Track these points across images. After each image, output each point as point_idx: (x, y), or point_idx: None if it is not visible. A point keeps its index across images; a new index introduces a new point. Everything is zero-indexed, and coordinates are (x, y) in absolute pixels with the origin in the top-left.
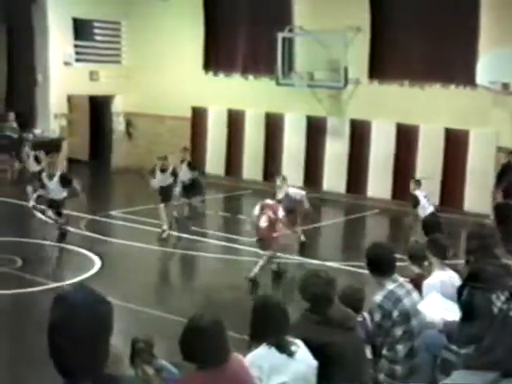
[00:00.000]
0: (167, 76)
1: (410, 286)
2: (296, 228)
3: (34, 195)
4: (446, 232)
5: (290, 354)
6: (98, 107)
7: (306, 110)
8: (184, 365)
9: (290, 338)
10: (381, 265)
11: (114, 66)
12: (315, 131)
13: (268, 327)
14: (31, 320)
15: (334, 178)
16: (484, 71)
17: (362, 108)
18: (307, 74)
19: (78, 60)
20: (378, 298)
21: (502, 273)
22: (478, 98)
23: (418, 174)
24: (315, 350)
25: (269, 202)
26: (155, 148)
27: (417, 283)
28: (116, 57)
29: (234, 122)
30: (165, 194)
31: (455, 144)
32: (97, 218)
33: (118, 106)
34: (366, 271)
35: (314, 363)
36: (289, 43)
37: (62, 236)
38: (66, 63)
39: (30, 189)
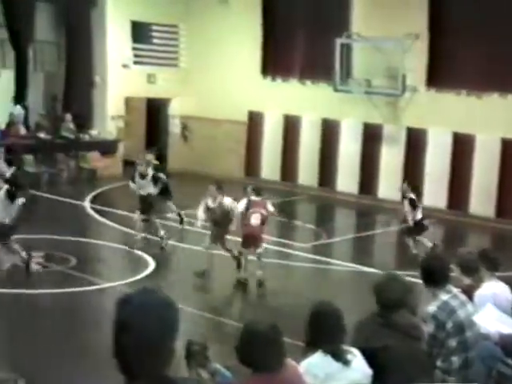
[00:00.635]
0: (224, 80)
1: (464, 297)
2: (223, 243)
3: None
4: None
5: (346, 363)
6: (155, 110)
7: (362, 116)
8: (237, 369)
9: (346, 347)
10: (434, 275)
11: (171, 69)
12: (371, 138)
13: (324, 335)
14: (86, 319)
15: (388, 186)
16: None
17: (418, 116)
18: (364, 81)
19: (135, 63)
20: (432, 308)
21: None
22: None
23: (474, 184)
24: (373, 352)
25: (254, 198)
26: (211, 152)
27: (468, 294)
28: (173, 60)
29: (291, 127)
30: (143, 203)
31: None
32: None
33: (175, 108)
34: (420, 281)
35: (369, 372)
36: (347, 49)
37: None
38: (124, 66)
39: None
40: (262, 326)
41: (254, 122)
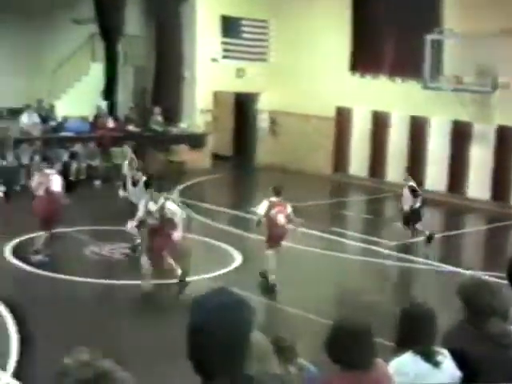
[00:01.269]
0: (312, 75)
1: None
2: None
3: None
4: None
5: (436, 364)
6: (243, 104)
7: (451, 114)
8: (322, 365)
9: (437, 348)
10: None
11: (260, 63)
12: (460, 136)
13: (415, 335)
14: (170, 312)
15: (478, 185)
16: None
17: (510, 114)
18: (454, 78)
19: (224, 57)
20: None
21: None
22: None
23: None
24: (465, 362)
25: (274, 199)
26: (299, 147)
27: None
28: (262, 55)
29: (379, 123)
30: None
31: None
32: (239, 213)
33: (263, 103)
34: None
35: (459, 374)
36: (437, 46)
37: None
38: (213, 60)
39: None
40: (357, 324)
41: (342, 117)
